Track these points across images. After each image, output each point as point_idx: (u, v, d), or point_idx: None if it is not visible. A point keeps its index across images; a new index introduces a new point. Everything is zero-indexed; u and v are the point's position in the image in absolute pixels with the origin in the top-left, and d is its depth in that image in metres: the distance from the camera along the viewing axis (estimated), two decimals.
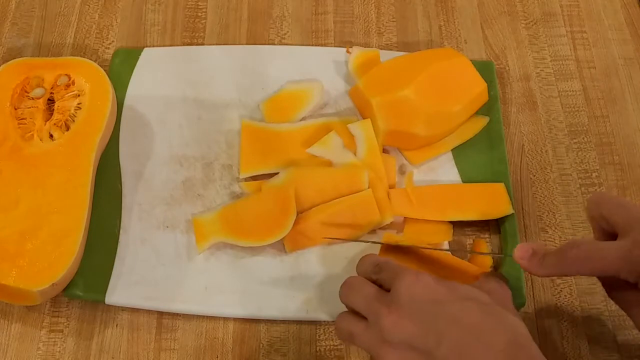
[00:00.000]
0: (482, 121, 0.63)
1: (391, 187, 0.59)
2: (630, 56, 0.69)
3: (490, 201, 0.58)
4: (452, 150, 0.62)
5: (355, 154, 0.59)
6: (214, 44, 0.68)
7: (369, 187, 0.57)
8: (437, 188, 0.59)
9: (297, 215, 0.56)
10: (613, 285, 0.47)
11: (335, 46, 0.69)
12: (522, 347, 0.41)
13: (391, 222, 0.58)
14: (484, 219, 0.59)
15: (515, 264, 0.55)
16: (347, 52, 0.66)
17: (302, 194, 0.57)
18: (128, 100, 0.64)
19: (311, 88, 0.63)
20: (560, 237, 0.60)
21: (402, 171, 0.61)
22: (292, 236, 0.56)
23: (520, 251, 0.46)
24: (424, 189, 0.59)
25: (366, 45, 0.68)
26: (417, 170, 0.61)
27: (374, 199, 0.57)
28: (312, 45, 0.69)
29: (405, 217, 0.58)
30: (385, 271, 0.47)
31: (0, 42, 0.68)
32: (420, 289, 0.44)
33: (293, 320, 0.55)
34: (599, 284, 0.49)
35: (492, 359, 0.40)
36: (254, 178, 0.60)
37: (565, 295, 0.57)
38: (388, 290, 0.45)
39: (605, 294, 0.48)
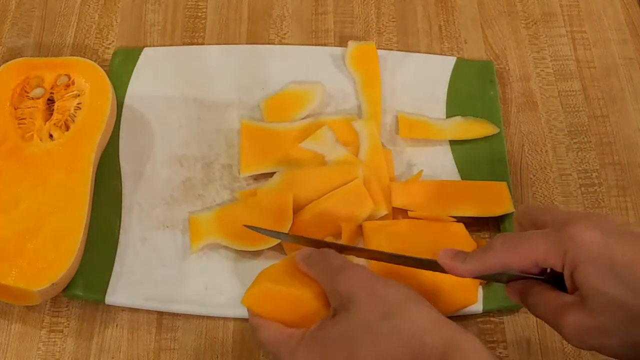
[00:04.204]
0: (490, 129, 0.63)
1: (391, 180, 0.59)
2: (630, 56, 0.69)
3: (492, 199, 0.59)
4: (452, 149, 0.62)
5: (350, 149, 0.60)
6: (214, 44, 0.68)
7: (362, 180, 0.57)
8: (439, 183, 0.60)
9: (293, 216, 0.56)
10: (529, 290, 0.43)
11: (335, 46, 0.69)
12: None
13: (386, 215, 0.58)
14: (484, 215, 0.59)
15: None
16: None
17: (298, 195, 0.56)
18: (128, 100, 0.64)
19: (312, 89, 0.64)
20: None
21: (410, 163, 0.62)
22: None
23: (443, 252, 0.44)
24: (426, 183, 0.59)
25: None
26: (416, 170, 0.61)
27: (365, 187, 0.56)
28: (312, 45, 0.69)
29: (407, 214, 0.58)
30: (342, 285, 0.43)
31: (0, 42, 0.68)
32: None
33: None
34: None
35: None
36: (255, 178, 0.60)
37: None
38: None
39: None
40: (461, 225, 0.57)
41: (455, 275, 0.43)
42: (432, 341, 0.39)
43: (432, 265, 0.45)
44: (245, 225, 0.53)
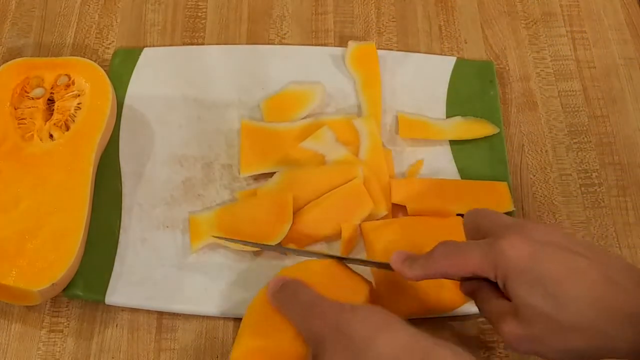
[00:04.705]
0: (490, 129, 0.63)
1: (391, 177, 0.59)
2: (630, 56, 0.69)
3: (492, 199, 0.59)
4: (452, 149, 0.62)
5: (350, 149, 0.60)
6: (214, 44, 0.68)
7: (362, 180, 0.57)
8: (439, 181, 0.60)
9: (293, 216, 0.56)
10: (477, 292, 0.45)
11: (335, 46, 0.69)
12: None
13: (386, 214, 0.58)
14: None
15: None
16: None
17: (298, 195, 0.56)
18: (128, 100, 0.64)
19: (312, 89, 0.64)
20: None
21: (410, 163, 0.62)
22: (290, 237, 0.56)
23: (395, 255, 0.46)
24: (427, 181, 0.59)
25: None
26: (416, 170, 0.61)
27: (364, 187, 0.56)
28: (312, 45, 0.69)
29: (407, 212, 0.58)
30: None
31: (0, 42, 0.68)
32: None
33: None
34: None
35: None
36: (255, 178, 0.60)
37: None
38: None
39: None
40: (460, 220, 0.57)
41: (403, 277, 0.45)
42: None
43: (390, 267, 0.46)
44: (215, 236, 0.55)
